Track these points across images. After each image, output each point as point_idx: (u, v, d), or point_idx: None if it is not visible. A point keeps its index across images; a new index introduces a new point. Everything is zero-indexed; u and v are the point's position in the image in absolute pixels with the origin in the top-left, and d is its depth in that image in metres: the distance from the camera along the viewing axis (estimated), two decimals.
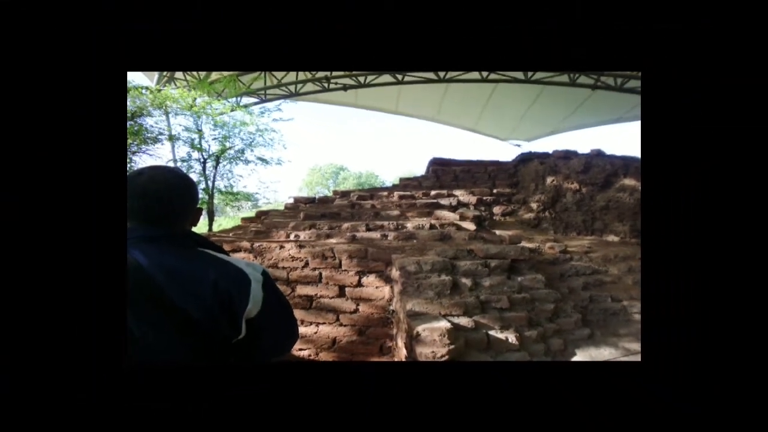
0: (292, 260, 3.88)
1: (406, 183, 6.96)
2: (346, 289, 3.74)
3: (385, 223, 4.81)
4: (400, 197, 5.94)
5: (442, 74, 11.37)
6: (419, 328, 2.76)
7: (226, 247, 4.08)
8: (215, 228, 8.92)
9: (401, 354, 3.10)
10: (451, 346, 2.69)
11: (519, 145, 15.84)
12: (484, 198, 6.05)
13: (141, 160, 8.29)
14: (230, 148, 9.11)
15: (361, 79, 11.80)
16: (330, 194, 6.73)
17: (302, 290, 3.81)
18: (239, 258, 1.25)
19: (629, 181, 5.53)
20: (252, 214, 7.14)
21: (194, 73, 9.99)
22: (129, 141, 7.74)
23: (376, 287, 3.68)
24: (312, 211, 5.53)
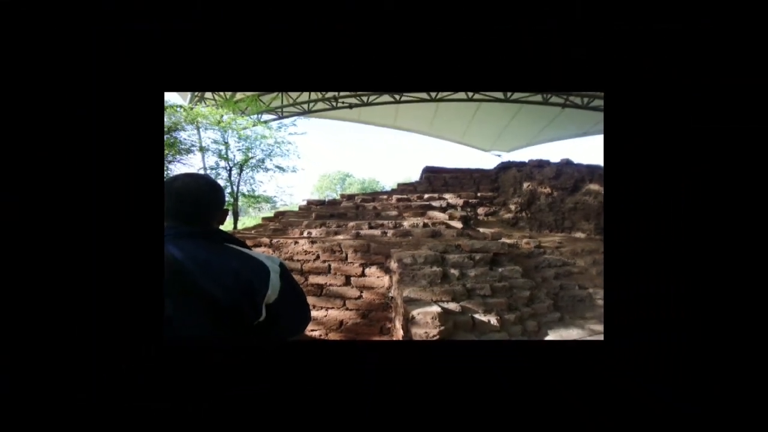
0: (305, 254, 3.88)
1: (403, 188, 6.95)
2: (352, 278, 3.74)
3: (385, 222, 4.80)
4: (398, 200, 5.94)
5: (433, 94, 11.37)
6: (414, 312, 2.76)
7: (249, 243, 4.07)
8: (239, 226, 8.92)
9: (399, 334, 3.10)
10: (442, 328, 2.69)
11: (500, 155, 15.82)
12: (470, 200, 6.04)
13: (176, 168, 8.30)
14: (252, 157, 9.12)
15: (364, 98, 11.81)
16: (338, 197, 6.72)
17: (314, 279, 3.81)
18: (260, 252, 1.24)
19: (594, 186, 5.52)
20: (271, 214, 7.13)
21: (221, 93, 9.98)
22: (165, 152, 7.74)
23: (377, 277, 3.68)
24: (322, 212, 5.52)
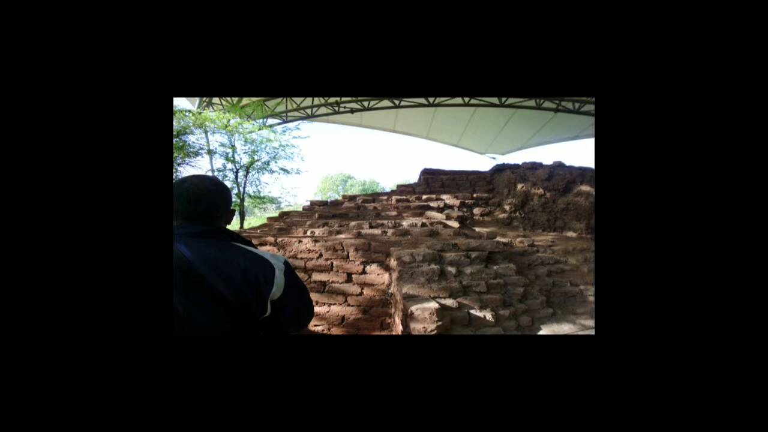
0: (309, 252, 3.88)
1: (402, 189, 6.95)
2: (353, 275, 3.74)
3: (385, 221, 4.80)
4: (397, 200, 5.94)
5: (431, 100, 11.37)
6: (413, 308, 2.76)
7: (255, 242, 4.07)
8: (246, 226, 8.93)
9: (398, 329, 3.10)
10: (439, 323, 2.69)
11: (494, 158, 15.82)
12: (466, 201, 6.05)
13: (184, 170, 8.30)
14: (258, 160, 9.12)
15: (365, 103, 11.81)
16: (340, 198, 6.72)
17: (317, 277, 3.81)
18: (265, 250, 1.24)
19: (585, 188, 5.52)
20: (275, 214, 7.13)
21: (228, 98, 9.99)
22: (174, 154, 7.74)
23: (378, 274, 3.68)
24: (325, 212, 5.52)
